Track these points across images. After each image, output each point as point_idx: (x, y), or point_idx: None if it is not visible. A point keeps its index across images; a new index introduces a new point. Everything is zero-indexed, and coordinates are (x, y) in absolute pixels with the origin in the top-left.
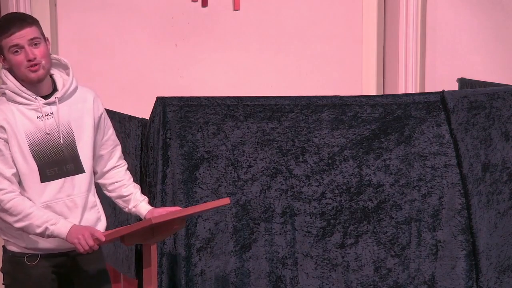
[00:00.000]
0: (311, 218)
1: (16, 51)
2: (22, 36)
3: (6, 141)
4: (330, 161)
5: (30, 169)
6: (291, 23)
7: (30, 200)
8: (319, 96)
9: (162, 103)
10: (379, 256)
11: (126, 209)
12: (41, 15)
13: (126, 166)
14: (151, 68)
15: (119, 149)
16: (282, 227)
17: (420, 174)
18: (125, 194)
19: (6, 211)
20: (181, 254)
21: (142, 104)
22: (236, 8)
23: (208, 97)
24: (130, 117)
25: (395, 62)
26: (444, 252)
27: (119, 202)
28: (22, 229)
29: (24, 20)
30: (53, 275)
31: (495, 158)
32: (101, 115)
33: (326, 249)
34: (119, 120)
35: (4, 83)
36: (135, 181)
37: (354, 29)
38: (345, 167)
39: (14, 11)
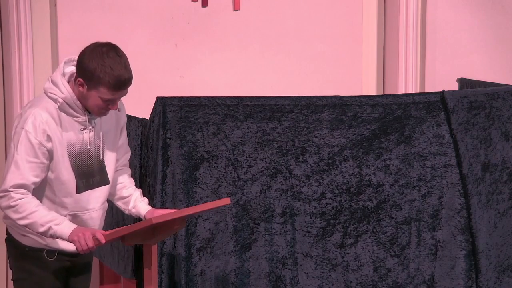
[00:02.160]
0: (311, 218)
1: (106, 101)
2: (121, 95)
3: (49, 150)
4: (330, 161)
5: (68, 180)
6: (291, 23)
7: (59, 209)
8: (319, 96)
9: (162, 103)
10: (378, 256)
11: (126, 211)
12: (41, 15)
13: (130, 172)
14: (151, 68)
15: (127, 157)
16: (282, 227)
17: (420, 174)
18: (125, 195)
19: (12, 207)
20: (181, 254)
21: (142, 104)
22: (236, 8)
23: (208, 97)
24: (130, 117)
25: (395, 62)
26: (444, 252)
27: (119, 204)
28: (25, 227)
29: (130, 82)
30: (65, 269)
31: (495, 158)
32: (125, 123)
33: (326, 249)
34: None
35: (59, 90)
36: (136, 183)
37: (354, 29)
38: (345, 167)
39: (15, 11)
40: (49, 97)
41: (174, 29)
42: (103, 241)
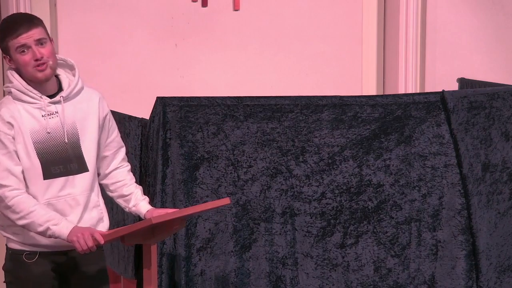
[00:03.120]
0: (311, 218)
1: (23, 51)
2: (30, 36)
3: (13, 137)
4: (330, 161)
5: (33, 166)
6: (291, 23)
7: (33, 197)
8: (319, 96)
9: (162, 103)
10: (379, 256)
11: (127, 209)
12: (41, 15)
13: (129, 167)
14: (151, 68)
15: (123, 151)
16: (282, 227)
17: (420, 174)
18: (126, 193)
19: (9, 208)
20: (181, 254)
21: (142, 104)
22: (236, 8)
23: (208, 97)
24: (130, 117)
25: (395, 62)
26: (444, 252)
27: (120, 202)
28: (24, 227)
29: (31, 21)
30: (53, 273)
31: (495, 158)
32: (106, 116)
33: (326, 249)
34: (119, 120)
35: (10, 82)
36: (136, 182)
37: (354, 29)
38: (345, 167)
39: (14, 11)
40: (6, 92)
41: (174, 29)
42: (102, 241)
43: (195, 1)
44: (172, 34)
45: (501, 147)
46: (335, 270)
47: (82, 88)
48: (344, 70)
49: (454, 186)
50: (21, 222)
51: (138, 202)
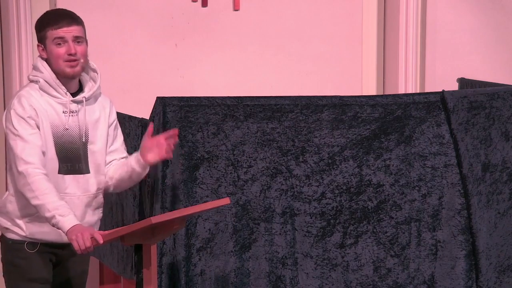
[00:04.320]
0: (311, 218)
1: (59, 44)
2: (70, 31)
3: (37, 124)
4: (330, 161)
5: (50, 158)
6: (291, 23)
7: None
8: (319, 96)
9: (162, 103)
10: (378, 256)
11: (129, 167)
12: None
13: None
14: (151, 68)
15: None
16: (282, 227)
17: (420, 174)
18: (120, 163)
19: (28, 185)
20: (181, 254)
21: (142, 104)
22: (236, 8)
23: (208, 97)
24: (130, 117)
25: (395, 62)
26: (444, 252)
27: (122, 173)
28: (36, 207)
29: (74, 18)
30: (50, 262)
31: (495, 158)
32: (113, 123)
33: (326, 249)
34: (119, 120)
35: (39, 71)
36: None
37: (354, 29)
38: (345, 167)
39: (14, 11)
40: (31, 80)
41: (174, 29)
42: (101, 241)
43: (195, 1)
44: (172, 34)
45: (501, 147)
46: (335, 270)
47: (100, 94)
48: (344, 70)
49: (454, 186)
50: (34, 202)
51: (131, 156)
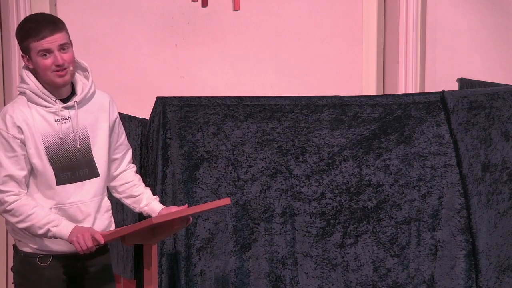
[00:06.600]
0: (311, 218)
1: (45, 55)
2: (53, 41)
3: (23, 142)
4: (330, 161)
5: (46, 171)
6: (291, 24)
7: (44, 201)
8: (319, 96)
9: (162, 103)
10: (378, 256)
11: (137, 209)
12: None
13: (135, 168)
14: (151, 68)
15: (130, 153)
16: (282, 227)
17: (420, 174)
18: (135, 194)
19: (9, 211)
20: (181, 254)
21: (142, 104)
22: (236, 8)
23: (208, 97)
24: (130, 117)
25: (395, 62)
26: (444, 252)
27: (129, 203)
28: (25, 230)
29: (55, 24)
30: (64, 276)
31: (495, 158)
32: (116, 119)
33: (325, 249)
34: None
35: (25, 82)
36: None
37: (354, 29)
38: (345, 167)
39: (14, 11)
40: (20, 92)
41: (174, 29)
42: (102, 241)
43: (195, 1)
44: (172, 34)
45: (501, 147)
46: (335, 270)
47: (94, 92)
48: (344, 70)
49: (454, 186)
50: (21, 225)
51: (151, 202)
